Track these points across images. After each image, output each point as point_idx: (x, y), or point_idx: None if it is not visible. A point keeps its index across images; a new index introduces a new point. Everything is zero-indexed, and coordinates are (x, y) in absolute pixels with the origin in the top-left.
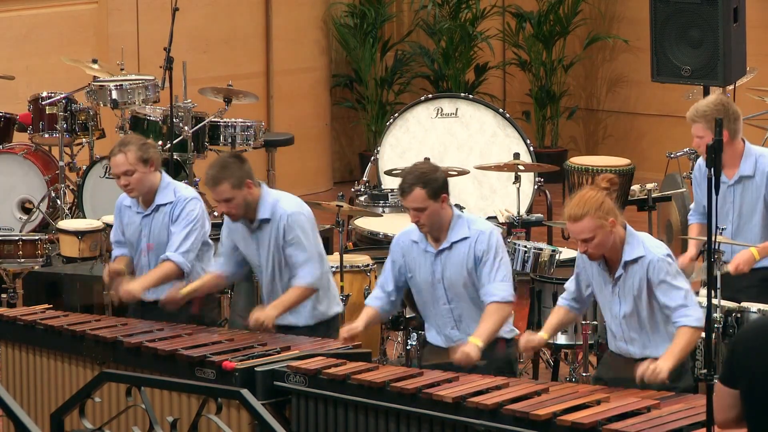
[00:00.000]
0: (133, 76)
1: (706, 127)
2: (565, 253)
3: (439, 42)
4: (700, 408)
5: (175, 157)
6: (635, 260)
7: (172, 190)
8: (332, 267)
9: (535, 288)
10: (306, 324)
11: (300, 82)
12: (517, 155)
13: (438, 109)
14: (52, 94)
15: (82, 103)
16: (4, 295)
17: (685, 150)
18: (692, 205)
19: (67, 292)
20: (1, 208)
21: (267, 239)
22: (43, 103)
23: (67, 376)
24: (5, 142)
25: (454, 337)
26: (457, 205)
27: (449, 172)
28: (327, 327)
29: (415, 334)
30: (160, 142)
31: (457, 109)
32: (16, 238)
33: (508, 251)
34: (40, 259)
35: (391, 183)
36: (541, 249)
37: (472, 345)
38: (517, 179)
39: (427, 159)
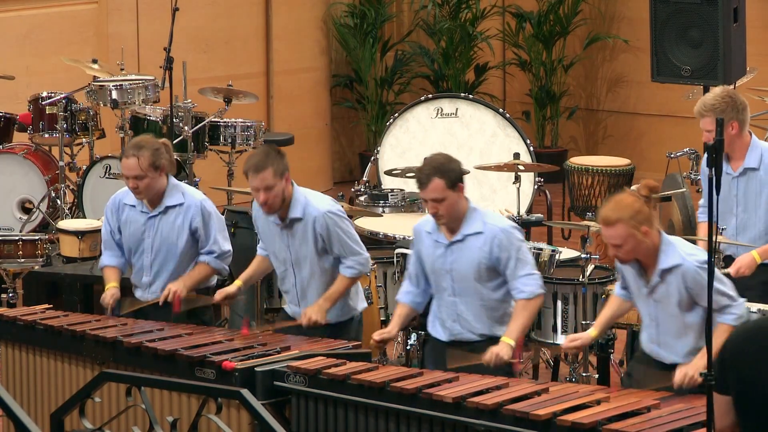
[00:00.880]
0: (133, 76)
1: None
2: (565, 253)
3: (439, 42)
4: (700, 408)
5: (175, 157)
6: (671, 269)
7: (181, 191)
8: None
9: None
10: (337, 321)
11: (300, 82)
12: (517, 155)
13: (438, 109)
14: (52, 94)
15: (82, 103)
16: (4, 295)
17: (685, 150)
18: (701, 201)
19: (67, 292)
20: (1, 208)
21: (297, 237)
22: (43, 103)
23: (67, 376)
24: (5, 142)
25: (454, 330)
26: None
27: None
28: (359, 323)
29: (415, 334)
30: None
31: (457, 109)
32: (16, 238)
33: None
34: (40, 259)
35: (391, 183)
36: (541, 249)
37: (504, 344)
38: (517, 179)
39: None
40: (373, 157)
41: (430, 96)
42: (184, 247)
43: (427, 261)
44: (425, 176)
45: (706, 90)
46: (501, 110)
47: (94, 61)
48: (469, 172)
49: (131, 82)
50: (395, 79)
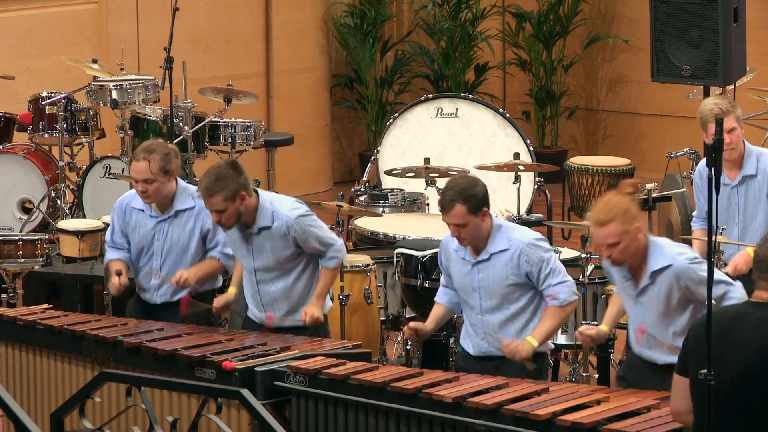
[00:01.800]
0: (133, 76)
1: (737, 119)
2: (565, 253)
3: (439, 42)
4: None
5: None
6: (662, 270)
7: (190, 195)
8: None
9: None
10: (295, 324)
11: (300, 82)
12: (517, 155)
13: (438, 109)
14: (52, 94)
15: (82, 103)
16: (4, 295)
17: (685, 150)
18: (695, 213)
19: (67, 292)
20: (1, 208)
21: (266, 245)
22: (43, 103)
23: (67, 376)
24: (5, 142)
25: (482, 347)
26: None
27: (449, 172)
28: (326, 323)
29: None
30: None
31: (457, 109)
32: (16, 238)
33: None
34: (40, 259)
35: (391, 183)
36: None
37: (526, 342)
38: (517, 179)
39: (426, 160)
40: (373, 157)
41: (430, 96)
42: (195, 250)
43: (455, 277)
44: (447, 201)
45: (706, 90)
46: (501, 110)
47: (94, 61)
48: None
49: (131, 82)
50: (395, 79)
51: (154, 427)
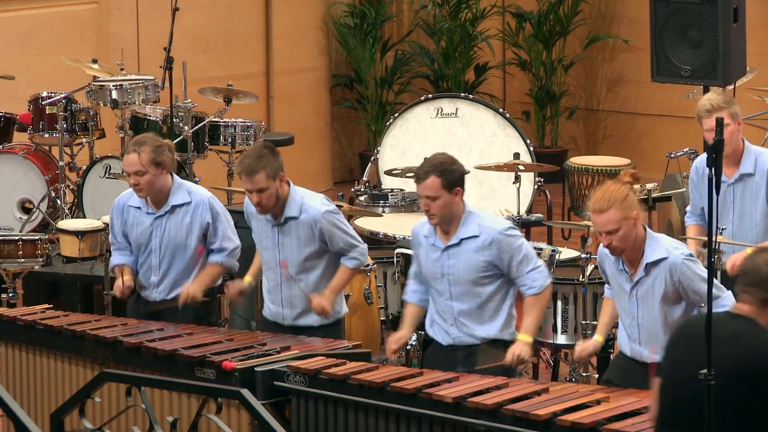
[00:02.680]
0: (133, 76)
1: (730, 114)
2: (565, 253)
3: (439, 42)
4: None
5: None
6: (657, 262)
7: (186, 190)
8: None
9: None
10: (321, 324)
11: (300, 82)
12: (517, 155)
13: (438, 109)
14: (52, 94)
15: (82, 103)
16: (4, 295)
17: (685, 150)
18: (689, 207)
19: (67, 292)
20: (1, 208)
21: (292, 238)
22: (43, 103)
23: (67, 376)
24: (5, 142)
25: (452, 333)
26: None
27: None
28: (339, 326)
29: (415, 334)
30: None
31: (457, 109)
32: (16, 238)
33: None
34: (40, 259)
35: (391, 183)
36: (541, 249)
37: (521, 343)
38: (517, 179)
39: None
40: (373, 157)
41: (430, 96)
42: (194, 245)
43: (423, 264)
44: (423, 172)
45: (706, 90)
46: (501, 110)
47: (94, 61)
48: (468, 172)
49: (131, 82)
50: (395, 79)
51: (154, 427)
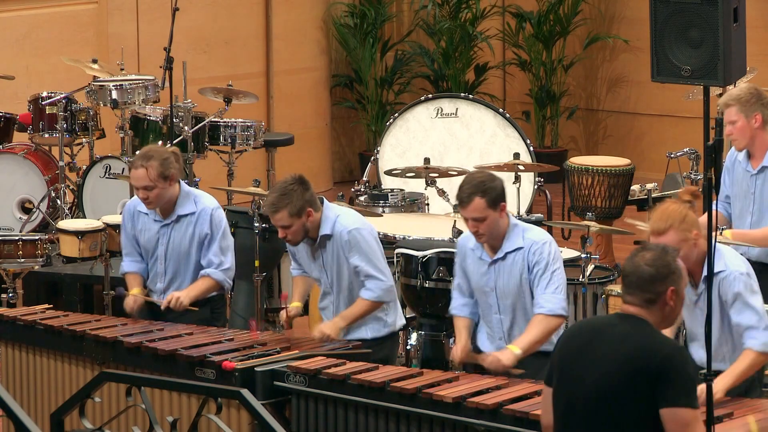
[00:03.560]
0: (133, 76)
1: (740, 110)
2: (565, 253)
3: (439, 42)
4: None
5: None
6: (716, 275)
7: (192, 199)
8: None
9: None
10: (374, 336)
11: (300, 82)
12: (517, 155)
13: (438, 109)
14: (52, 94)
15: (82, 103)
16: (4, 295)
17: (685, 150)
18: (721, 196)
19: (67, 292)
20: (1, 208)
21: (329, 255)
22: (43, 103)
23: (67, 376)
24: (5, 142)
25: (502, 347)
26: None
27: (449, 172)
28: (393, 340)
29: (415, 334)
30: (160, 142)
31: (457, 109)
32: (16, 238)
33: None
34: (40, 259)
35: (391, 183)
36: None
37: (508, 351)
38: (517, 179)
39: (426, 160)
40: (373, 157)
41: (430, 96)
42: (196, 255)
43: (471, 277)
44: (466, 195)
45: (706, 90)
46: (501, 110)
47: (94, 61)
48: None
49: (131, 82)
50: (395, 79)
51: (154, 427)
